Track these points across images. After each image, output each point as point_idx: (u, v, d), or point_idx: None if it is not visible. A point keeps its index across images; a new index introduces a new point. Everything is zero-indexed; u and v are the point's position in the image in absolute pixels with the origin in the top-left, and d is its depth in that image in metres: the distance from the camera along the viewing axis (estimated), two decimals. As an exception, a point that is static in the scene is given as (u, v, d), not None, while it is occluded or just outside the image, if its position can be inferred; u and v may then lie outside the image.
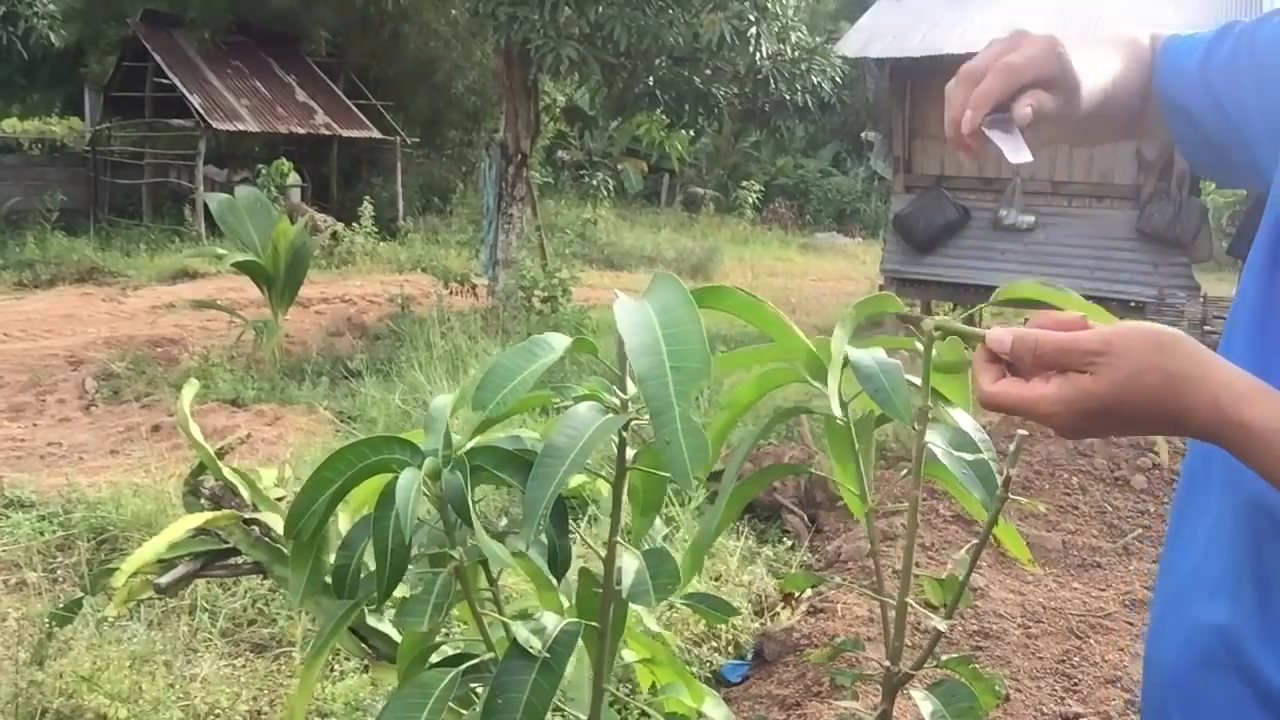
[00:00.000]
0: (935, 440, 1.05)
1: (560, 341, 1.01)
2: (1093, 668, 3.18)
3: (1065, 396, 0.80)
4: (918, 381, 1.04)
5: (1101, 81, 1.02)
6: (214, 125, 14.72)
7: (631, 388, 1.06)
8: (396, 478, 1.08)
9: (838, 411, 0.98)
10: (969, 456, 1.05)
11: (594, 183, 18.77)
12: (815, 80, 9.72)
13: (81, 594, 2.61)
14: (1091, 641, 3.36)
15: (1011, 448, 0.97)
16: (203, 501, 2.35)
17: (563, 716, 1.47)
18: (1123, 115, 1.09)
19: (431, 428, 1.16)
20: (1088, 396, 0.80)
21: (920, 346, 1.00)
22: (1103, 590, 3.77)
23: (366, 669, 2.94)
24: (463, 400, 1.16)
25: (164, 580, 2.14)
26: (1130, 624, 3.49)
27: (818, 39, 10.57)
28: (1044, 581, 3.85)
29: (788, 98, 9.71)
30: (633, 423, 1.06)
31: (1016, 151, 0.87)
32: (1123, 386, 0.79)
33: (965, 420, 1.08)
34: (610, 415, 1.03)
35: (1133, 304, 7.93)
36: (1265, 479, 0.81)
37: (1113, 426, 0.83)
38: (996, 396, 0.83)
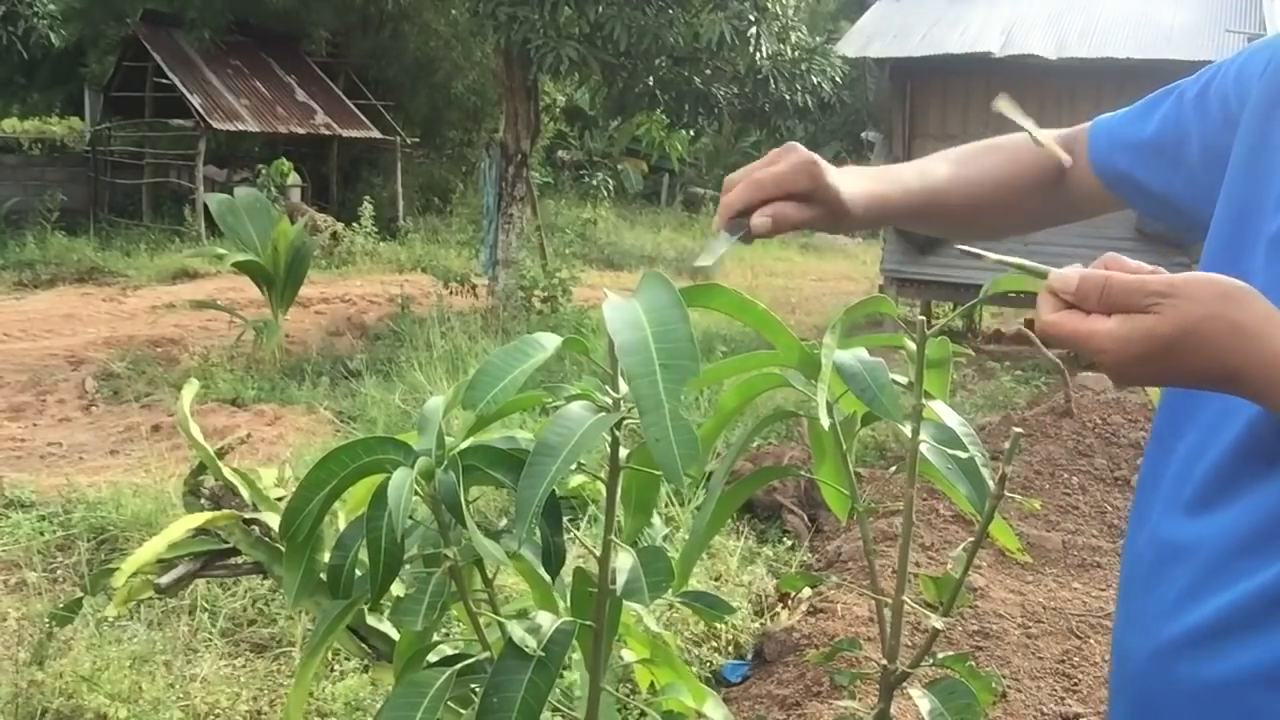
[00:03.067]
0: (923, 437, 1.05)
1: (551, 341, 1.02)
2: (1093, 668, 3.18)
3: (1124, 334, 0.78)
4: (902, 379, 1.05)
5: (911, 185, 1.12)
6: (214, 125, 14.73)
7: (624, 386, 1.06)
8: (389, 478, 1.08)
9: (825, 422, 0.98)
10: (957, 453, 1.05)
11: (594, 183, 18.78)
12: (815, 80, 9.72)
13: (81, 594, 2.60)
14: (1091, 641, 3.36)
15: (1007, 445, 0.97)
16: (203, 501, 2.35)
17: (560, 716, 1.47)
18: (990, 207, 1.19)
19: (424, 428, 1.16)
20: (1148, 336, 0.78)
21: (911, 345, 1.00)
22: (1103, 590, 3.77)
23: (366, 669, 2.94)
24: (456, 400, 1.16)
25: (164, 580, 2.14)
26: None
27: (818, 39, 10.57)
28: (1044, 581, 3.85)
29: (788, 98, 9.70)
30: (625, 422, 1.06)
31: (707, 255, 0.98)
32: (1185, 330, 0.77)
33: (951, 416, 1.08)
34: (602, 414, 1.03)
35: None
36: None
37: (1163, 372, 0.81)
38: (1055, 325, 0.82)
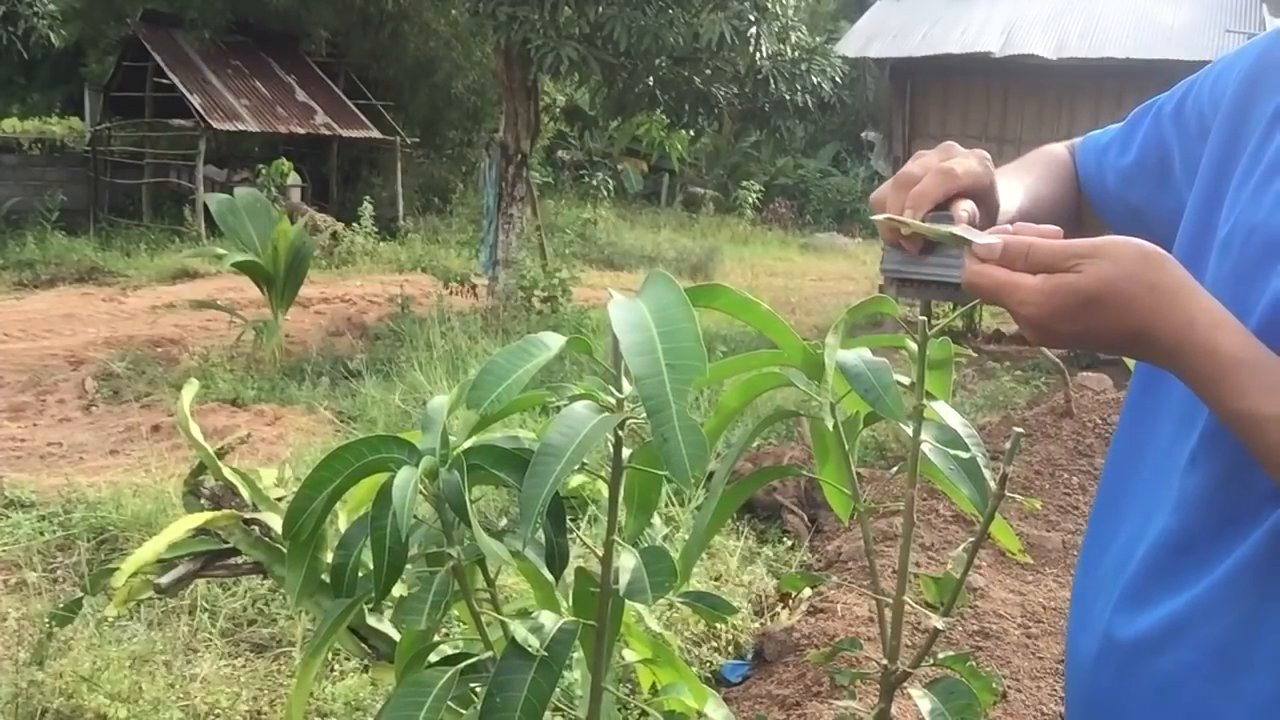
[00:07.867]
0: (924, 437, 1.05)
1: (555, 340, 1.02)
2: (1092, 667, 3.18)
3: (1048, 289, 0.81)
4: (904, 379, 1.05)
5: (1017, 203, 1.05)
6: (214, 125, 14.72)
7: (627, 386, 1.07)
8: (393, 477, 1.08)
9: (829, 423, 0.98)
10: (958, 453, 1.06)
11: (594, 183, 18.74)
12: (815, 80, 9.71)
13: (81, 594, 2.60)
14: (1091, 641, 3.35)
15: (1008, 445, 0.98)
16: (203, 501, 2.35)
17: (562, 716, 1.48)
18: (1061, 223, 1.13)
19: (428, 427, 1.16)
20: (1068, 292, 0.81)
21: (912, 345, 1.00)
22: (1102, 590, 3.77)
23: (366, 669, 2.94)
24: (459, 400, 1.16)
25: (164, 580, 2.14)
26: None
27: (818, 39, 10.56)
28: (1044, 581, 3.85)
29: (788, 98, 9.70)
30: (629, 422, 1.06)
31: (978, 236, 0.87)
32: (1103, 287, 0.80)
33: (953, 417, 1.08)
34: (605, 414, 1.03)
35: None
36: (1216, 411, 0.82)
37: (1082, 330, 0.83)
38: (982, 274, 0.85)
